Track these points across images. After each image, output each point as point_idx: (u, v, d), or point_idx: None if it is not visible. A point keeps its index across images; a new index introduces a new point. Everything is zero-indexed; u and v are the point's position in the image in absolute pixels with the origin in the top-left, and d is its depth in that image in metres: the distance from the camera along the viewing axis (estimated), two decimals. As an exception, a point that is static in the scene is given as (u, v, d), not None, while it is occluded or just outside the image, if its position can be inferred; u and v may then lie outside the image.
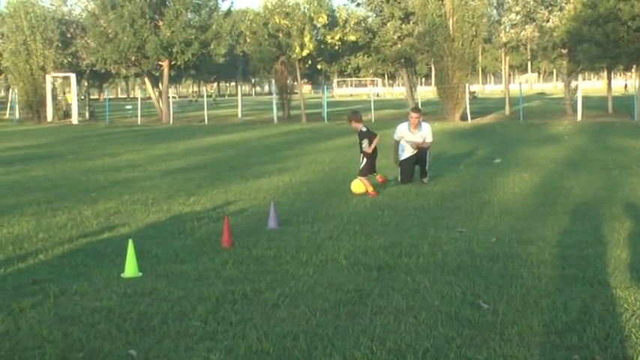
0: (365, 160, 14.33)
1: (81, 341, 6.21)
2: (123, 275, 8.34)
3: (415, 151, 15.68)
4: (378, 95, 61.47)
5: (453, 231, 10.51)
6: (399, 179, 15.64)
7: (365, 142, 14.27)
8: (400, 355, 5.68)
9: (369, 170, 14.37)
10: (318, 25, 47.96)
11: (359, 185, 14.10)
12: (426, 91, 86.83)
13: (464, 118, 42.45)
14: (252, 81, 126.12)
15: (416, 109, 16.59)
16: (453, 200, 13.40)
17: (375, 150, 14.46)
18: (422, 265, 8.53)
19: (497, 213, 11.98)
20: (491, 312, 6.68)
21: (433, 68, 48.19)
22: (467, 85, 43.35)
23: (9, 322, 6.71)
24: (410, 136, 15.73)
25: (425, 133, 15.88)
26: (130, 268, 8.41)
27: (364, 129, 14.49)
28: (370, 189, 14.09)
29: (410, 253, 9.07)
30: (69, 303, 7.33)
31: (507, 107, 49.68)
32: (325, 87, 53.55)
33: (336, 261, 8.85)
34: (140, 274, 8.38)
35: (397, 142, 15.89)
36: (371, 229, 10.72)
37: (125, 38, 47.46)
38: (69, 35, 56.46)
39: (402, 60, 53.54)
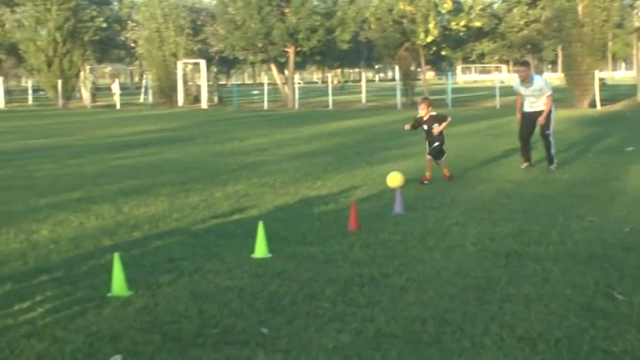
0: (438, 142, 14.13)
1: (215, 318, 6.35)
2: (253, 256, 8.48)
3: (536, 109, 15.43)
4: (502, 82, 60.31)
5: (584, 220, 10.22)
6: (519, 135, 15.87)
7: (435, 125, 14.08)
8: (531, 344, 5.58)
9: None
10: (443, 12, 47.53)
11: (396, 178, 12.11)
12: (553, 78, 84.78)
13: (592, 105, 41.17)
14: (376, 67, 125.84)
15: (522, 63, 16.39)
16: (583, 188, 13.04)
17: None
18: (551, 254, 8.34)
19: (630, 202, 11.59)
20: (627, 304, 6.46)
21: (560, 54, 46.96)
22: (596, 71, 41.98)
23: (148, 297, 6.92)
24: (524, 91, 15.47)
25: (538, 86, 15.43)
26: (260, 249, 8.53)
27: (434, 113, 14.32)
28: (428, 173, 13.86)
29: (539, 241, 8.89)
30: (203, 281, 7.51)
31: (639, 94, 47.91)
32: (449, 73, 52.86)
33: (463, 247, 8.76)
34: (270, 255, 8.49)
35: (519, 98, 15.86)
36: (498, 216, 10.55)
37: (253, 25, 48.05)
38: (199, 23, 57.76)
39: (528, 46, 52.46)
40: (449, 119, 14.28)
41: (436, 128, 13.89)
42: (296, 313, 6.47)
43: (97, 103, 56.85)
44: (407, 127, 14.26)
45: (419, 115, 14.12)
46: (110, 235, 9.73)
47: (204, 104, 51.39)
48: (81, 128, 31.42)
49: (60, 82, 53.30)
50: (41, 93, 61.30)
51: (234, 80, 70.91)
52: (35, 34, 53.62)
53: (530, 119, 15.53)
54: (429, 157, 13.92)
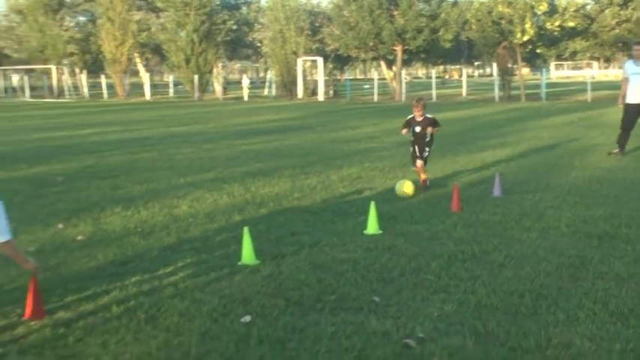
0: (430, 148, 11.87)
1: (332, 286, 6.35)
2: (365, 232, 8.45)
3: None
4: (593, 78, 58.40)
5: (672, 205, 9.80)
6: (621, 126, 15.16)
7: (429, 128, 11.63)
8: (622, 318, 5.37)
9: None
10: (539, 13, 46.24)
11: (409, 185, 10.93)
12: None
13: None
14: (475, 64, 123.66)
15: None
16: (670, 176, 12.49)
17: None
18: (641, 236, 8.02)
19: None
20: None
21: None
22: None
23: (273, 266, 6.98)
24: (634, 69, 14.84)
25: None
26: (372, 226, 8.50)
27: (429, 116, 11.84)
28: (424, 175, 11.71)
29: (629, 224, 8.54)
30: (321, 253, 7.52)
31: None
32: (543, 69, 51.49)
33: (557, 228, 8.51)
34: (380, 231, 8.44)
35: (625, 80, 15.20)
36: (590, 201, 10.20)
37: (365, 26, 48.07)
38: (317, 24, 57.94)
39: (619, 44, 50.55)
40: (439, 126, 12.03)
41: (430, 130, 11.60)
42: (404, 284, 6.42)
43: (228, 96, 57.77)
44: (404, 132, 12.01)
45: (411, 116, 11.88)
46: (240, 211, 9.87)
47: (320, 97, 51.57)
48: (214, 117, 32.00)
49: (196, 77, 54.42)
50: (180, 87, 62.69)
51: (347, 75, 71.01)
52: (176, 36, 54.91)
53: (635, 110, 14.95)
54: (419, 163, 11.66)
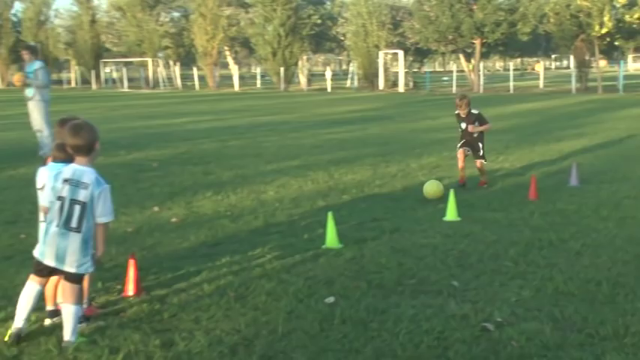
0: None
1: (412, 270, 6.32)
2: (444, 219, 8.37)
3: None
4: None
5: None
6: None
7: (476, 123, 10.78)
8: (701, 308, 5.19)
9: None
10: (618, 6, 44.74)
11: (437, 188, 9.75)
12: None
13: None
14: (552, 57, 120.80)
15: None
16: None
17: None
18: None
19: None
20: None
21: None
22: None
23: (355, 250, 6.99)
24: None
25: None
26: (451, 213, 8.41)
27: (475, 111, 10.95)
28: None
29: None
30: (401, 238, 7.49)
31: None
32: (621, 62, 49.80)
33: (634, 218, 8.25)
34: (459, 218, 8.35)
35: None
36: (668, 191, 9.87)
37: (444, 20, 47.49)
38: (398, 19, 57.39)
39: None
40: (489, 125, 11.19)
41: (473, 127, 10.76)
42: (482, 269, 6.34)
43: (312, 87, 57.89)
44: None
45: (457, 112, 11.03)
46: (323, 197, 9.89)
47: (401, 88, 51.18)
48: (299, 107, 32.13)
49: (282, 69, 54.72)
50: (267, 78, 63.17)
51: (426, 68, 70.34)
52: (264, 30, 55.27)
53: None
54: (479, 163, 10.85)
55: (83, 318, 5.05)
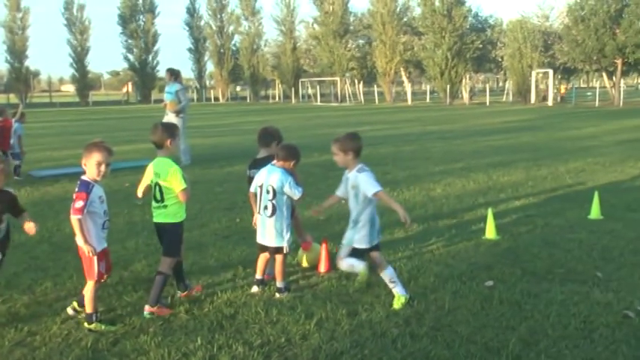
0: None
1: (560, 261, 6.06)
2: (589, 217, 7.93)
3: None
4: None
5: None
6: None
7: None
8: None
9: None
10: None
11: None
12: None
13: None
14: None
15: None
16: None
17: None
18: None
19: None
20: None
21: None
22: None
23: (511, 241, 6.75)
24: None
25: None
26: (595, 212, 7.96)
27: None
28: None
29: None
30: (550, 233, 7.18)
31: None
32: None
33: None
34: (602, 217, 7.88)
35: None
36: None
37: (590, 43, 44.67)
38: (549, 42, 54.59)
39: None
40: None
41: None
42: (624, 263, 5.96)
43: (473, 102, 56.43)
44: None
45: None
46: (483, 195, 9.67)
47: (550, 102, 48.73)
48: (461, 119, 31.46)
49: (448, 86, 53.84)
50: (434, 94, 62.30)
51: (572, 84, 66.34)
52: (433, 54, 54.56)
53: None
54: None
55: (285, 289, 5.28)
